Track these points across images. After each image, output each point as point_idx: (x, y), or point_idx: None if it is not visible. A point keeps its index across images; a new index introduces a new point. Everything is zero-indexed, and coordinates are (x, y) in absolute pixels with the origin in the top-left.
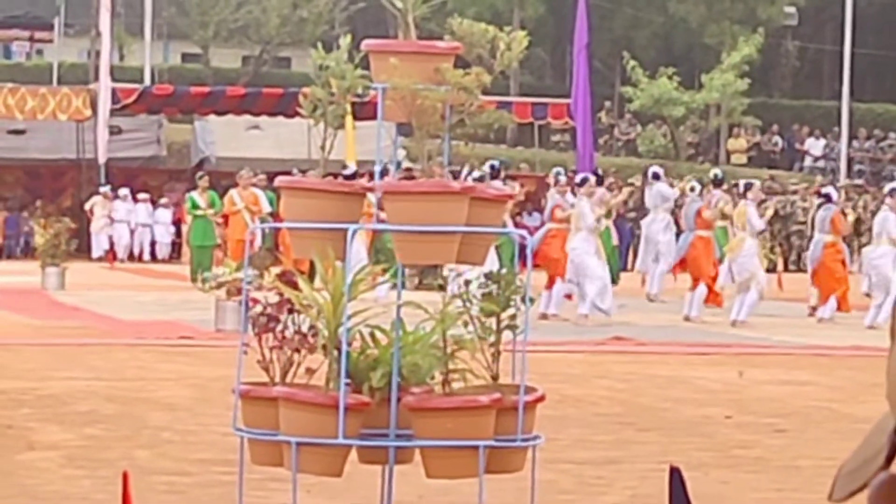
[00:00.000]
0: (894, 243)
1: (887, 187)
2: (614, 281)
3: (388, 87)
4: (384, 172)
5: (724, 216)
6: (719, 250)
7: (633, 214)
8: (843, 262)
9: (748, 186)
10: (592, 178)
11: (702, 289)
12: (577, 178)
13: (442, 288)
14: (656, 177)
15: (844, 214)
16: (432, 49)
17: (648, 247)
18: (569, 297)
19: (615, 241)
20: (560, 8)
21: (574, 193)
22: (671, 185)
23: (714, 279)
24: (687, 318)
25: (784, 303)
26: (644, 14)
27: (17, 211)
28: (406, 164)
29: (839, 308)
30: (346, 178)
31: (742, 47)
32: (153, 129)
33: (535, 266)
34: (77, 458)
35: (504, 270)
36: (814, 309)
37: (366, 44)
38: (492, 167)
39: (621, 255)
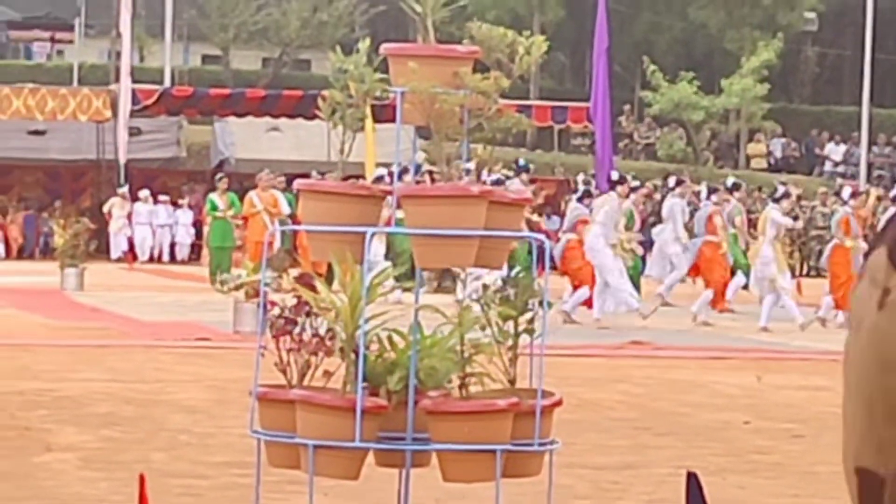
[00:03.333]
0: None
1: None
2: (637, 288)
3: (406, 91)
4: (403, 174)
5: (733, 225)
6: (732, 257)
7: (651, 219)
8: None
9: (785, 195)
10: (630, 180)
11: (707, 293)
12: (614, 176)
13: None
14: (673, 189)
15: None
16: (451, 53)
17: (660, 257)
18: (587, 304)
19: (640, 251)
20: (580, 12)
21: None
22: (687, 195)
23: (726, 285)
24: (695, 319)
25: (803, 308)
26: (664, 19)
27: (36, 211)
28: (426, 167)
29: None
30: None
31: (762, 52)
32: (173, 131)
33: (562, 275)
34: (94, 459)
35: (522, 274)
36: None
37: (385, 47)
38: (519, 166)
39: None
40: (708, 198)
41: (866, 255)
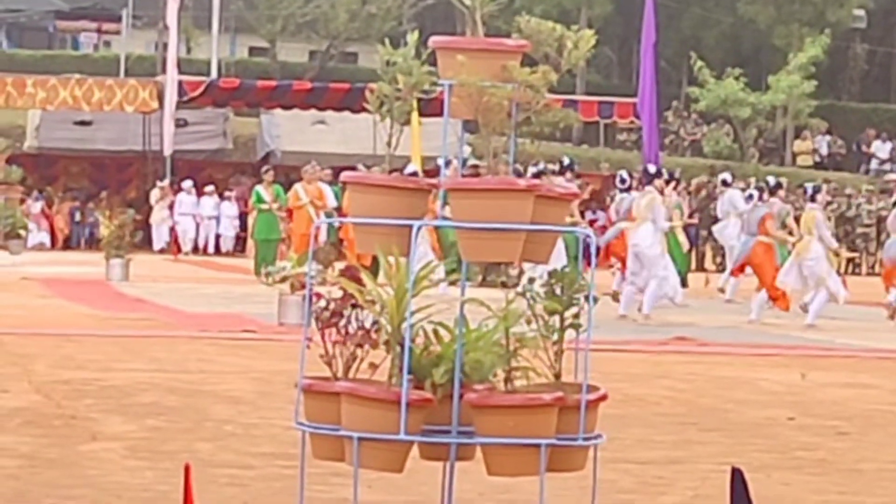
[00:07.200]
0: None
1: None
2: (683, 284)
3: (454, 84)
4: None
5: (784, 225)
6: (781, 257)
7: (694, 219)
8: None
9: (816, 190)
10: (665, 173)
11: (763, 294)
12: (651, 169)
13: (505, 285)
14: (726, 183)
15: None
16: (500, 47)
17: (729, 252)
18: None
19: (685, 247)
20: (628, 7)
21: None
22: (741, 189)
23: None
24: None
25: (847, 306)
26: (712, 14)
27: (82, 202)
28: (472, 160)
29: None
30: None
31: (809, 49)
32: (219, 123)
33: (619, 259)
34: (139, 449)
35: (568, 269)
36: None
37: (433, 40)
38: (562, 164)
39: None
40: (760, 198)
41: None
